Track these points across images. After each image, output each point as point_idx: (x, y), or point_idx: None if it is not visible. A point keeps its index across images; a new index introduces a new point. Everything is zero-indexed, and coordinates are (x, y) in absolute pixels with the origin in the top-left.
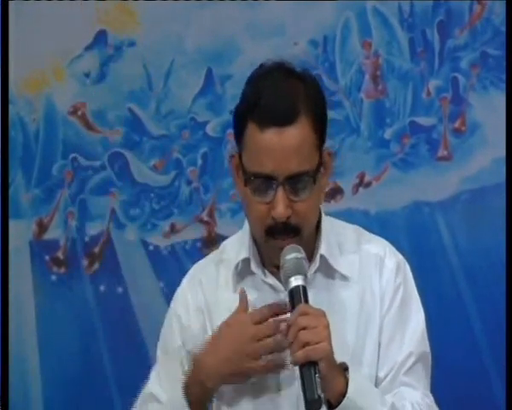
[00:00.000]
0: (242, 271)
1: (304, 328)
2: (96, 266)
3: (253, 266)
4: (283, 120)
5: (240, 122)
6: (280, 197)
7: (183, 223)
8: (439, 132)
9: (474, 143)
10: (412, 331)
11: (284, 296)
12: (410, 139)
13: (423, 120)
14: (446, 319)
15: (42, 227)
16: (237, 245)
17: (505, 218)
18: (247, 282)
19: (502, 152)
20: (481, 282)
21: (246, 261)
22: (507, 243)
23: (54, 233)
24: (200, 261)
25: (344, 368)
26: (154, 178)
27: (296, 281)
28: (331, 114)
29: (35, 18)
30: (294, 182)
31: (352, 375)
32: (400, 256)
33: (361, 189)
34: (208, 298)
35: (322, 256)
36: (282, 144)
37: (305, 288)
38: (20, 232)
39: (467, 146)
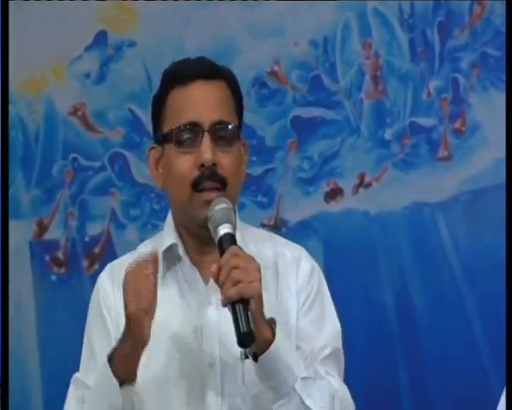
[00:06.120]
0: (169, 259)
1: (236, 267)
2: (97, 266)
3: (181, 251)
4: (207, 74)
5: (159, 101)
6: (207, 143)
7: None
8: (439, 133)
9: (475, 144)
10: (328, 328)
11: (208, 288)
12: (410, 140)
13: (423, 121)
14: (446, 319)
15: (42, 227)
16: (156, 240)
17: (505, 218)
18: (172, 273)
19: (502, 152)
20: (481, 282)
21: (171, 249)
22: (507, 243)
23: (54, 233)
24: (115, 261)
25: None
26: None
27: (224, 229)
28: (331, 114)
29: (35, 18)
30: (219, 129)
31: (279, 329)
32: (314, 262)
33: (361, 189)
34: None
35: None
36: (207, 94)
37: (233, 235)
38: (20, 233)
39: (467, 147)
